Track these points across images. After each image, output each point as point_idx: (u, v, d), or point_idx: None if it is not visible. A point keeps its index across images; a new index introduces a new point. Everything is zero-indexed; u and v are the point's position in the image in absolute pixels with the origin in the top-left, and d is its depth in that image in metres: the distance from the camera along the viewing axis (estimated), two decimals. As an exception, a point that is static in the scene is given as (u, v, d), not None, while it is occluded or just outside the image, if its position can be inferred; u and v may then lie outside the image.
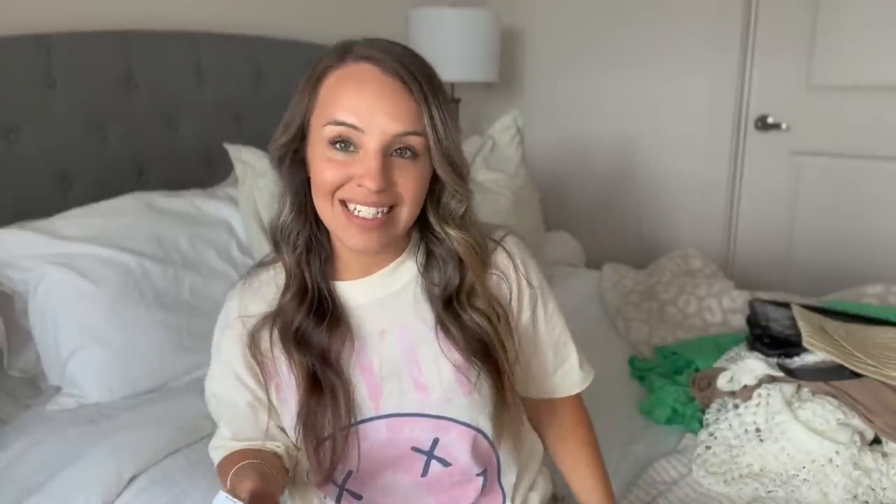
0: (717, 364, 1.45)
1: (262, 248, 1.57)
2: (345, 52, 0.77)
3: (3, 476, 1.18)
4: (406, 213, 0.78)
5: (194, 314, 1.43)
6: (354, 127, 0.73)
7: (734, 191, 2.69)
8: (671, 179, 2.76)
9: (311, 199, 0.80)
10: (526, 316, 0.90)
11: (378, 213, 0.75)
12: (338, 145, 0.75)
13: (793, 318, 1.50)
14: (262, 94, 1.98)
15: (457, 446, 0.85)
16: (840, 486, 1.11)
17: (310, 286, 0.82)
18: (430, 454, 0.85)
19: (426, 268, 0.85)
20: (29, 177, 1.49)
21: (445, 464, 0.85)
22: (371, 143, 0.73)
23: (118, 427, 1.21)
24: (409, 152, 0.75)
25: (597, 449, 1.00)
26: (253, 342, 0.83)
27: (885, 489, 1.11)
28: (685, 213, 2.76)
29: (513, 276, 0.88)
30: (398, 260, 0.85)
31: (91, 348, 1.31)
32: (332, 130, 0.74)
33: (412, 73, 0.75)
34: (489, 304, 0.85)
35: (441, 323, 0.83)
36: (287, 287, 0.83)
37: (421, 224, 0.84)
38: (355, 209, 0.75)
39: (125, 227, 1.42)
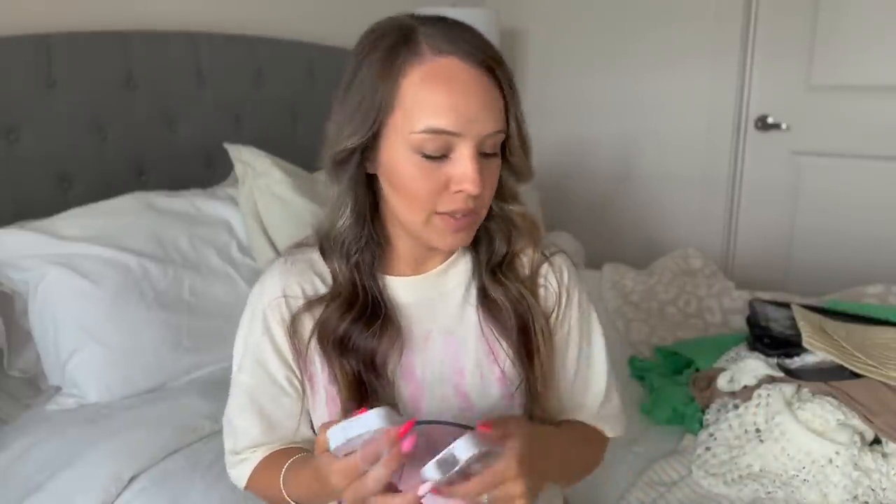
0: (717, 364, 1.45)
1: (263, 247, 1.57)
2: (414, 40, 0.70)
3: (4, 476, 1.18)
4: (485, 211, 0.76)
5: (194, 314, 1.43)
6: (452, 133, 0.69)
7: (734, 191, 2.69)
8: (671, 179, 2.76)
9: (371, 202, 0.77)
10: (562, 332, 0.86)
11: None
12: (431, 154, 0.69)
13: (793, 318, 1.50)
14: (262, 94, 1.98)
15: None
16: (840, 486, 1.11)
17: (360, 292, 0.77)
18: None
19: (487, 262, 0.82)
20: (29, 177, 1.49)
21: None
22: (465, 145, 0.69)
23: (118, 427, 1.21)
24: (492, 150, 0.72)
25: (587, 444, 0.89)
26: (293, 326, 0.79)
27: (885, 489, 1.11)
28: (685, 213, 2.76)
29: (555, 288, 0.85)
30: (451, 259, 0.83)
31: (91, 348, 1.30)
32: (425, 139, 0.69)
33: (496, 62, 0.71)
34: (532, 291, 0.83)
35: (485, 297, 0.81)
36: (334, 294, 0.78)
37: None
38: (454, 214, 0.72)
39: (125, 227, 1.42)
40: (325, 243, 0.80)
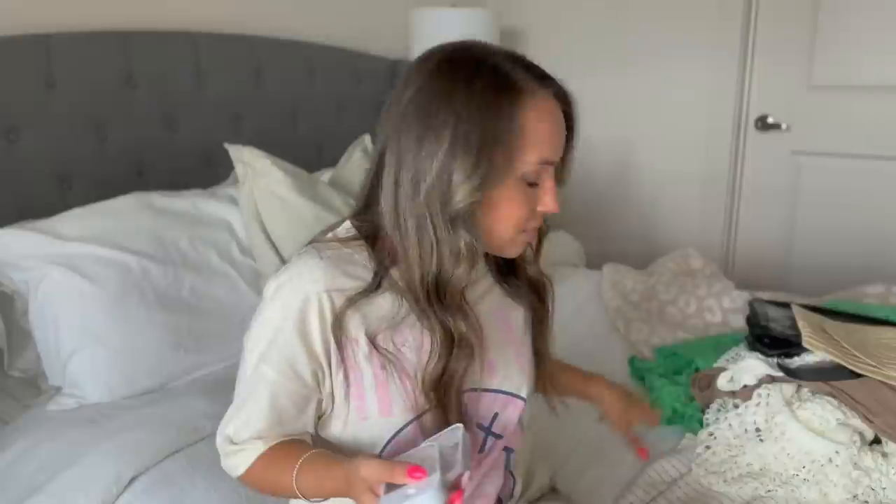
0: (717, 364, 1.45)
1: (263, 248, 1.57)
2: (511, 78, 0.76)
3: (4, 476, 1.18)
4: None
5: (194, 314, 1.43)
6: (552, 162, 0.79)
7: (734, 191, 2.69)
8: (671, 179, 2.76)
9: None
10: None
11: None
12: (534, 182, 0.79)
13: (793, 318, 1.50)
14: (262, 94, 1.98)
15: (510, 419, 0.89)
16: (840, 485, 1.11)
17: (470, 335, 0.80)
18: (488, 430, 0.87)
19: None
20: (29, 177, 1.49)
21: (498, 436, 0.88)
22: (550, 172, 0.80)
23: (118, 427, 1.21)
24: None
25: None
26: (337, 320, 0.78)
27: (884, 489, 1.11)
28: (685, 213, 2.76)
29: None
30: None
31: (91, 348, 1.30)
32: (537, 169, 0.78)
33: (569, 99, 0.83)
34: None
35: (503, 283, 0.92)
36: (437, 347, 0.79)
37: None
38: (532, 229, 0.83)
39: (125, 227, 1.42)
40: (428, 288, 0.78)
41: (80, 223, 1.40)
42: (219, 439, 0.85)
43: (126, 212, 1.47)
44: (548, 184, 0.80)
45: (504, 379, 0.88)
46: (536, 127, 0.76)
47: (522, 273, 0.93)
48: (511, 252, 0.84)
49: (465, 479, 0.66)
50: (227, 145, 1.68)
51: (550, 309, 0.96)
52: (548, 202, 0.80)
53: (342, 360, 0.79)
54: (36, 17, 1.51)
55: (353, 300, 0.78)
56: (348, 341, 0.79)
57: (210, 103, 1.84)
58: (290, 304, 0.78)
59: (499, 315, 0.90)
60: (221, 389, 1.30)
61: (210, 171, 1.83)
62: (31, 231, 1.35)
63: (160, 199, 1.54)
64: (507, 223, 0.79)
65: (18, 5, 1.49)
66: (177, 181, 1.69)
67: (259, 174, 1.61)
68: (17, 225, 1.37)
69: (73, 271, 1.32)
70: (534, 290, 0.94)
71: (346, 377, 0.80)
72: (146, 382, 1.35)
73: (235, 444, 0.83)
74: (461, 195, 0.74)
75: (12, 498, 1.13)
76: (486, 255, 0.90)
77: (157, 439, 1.17)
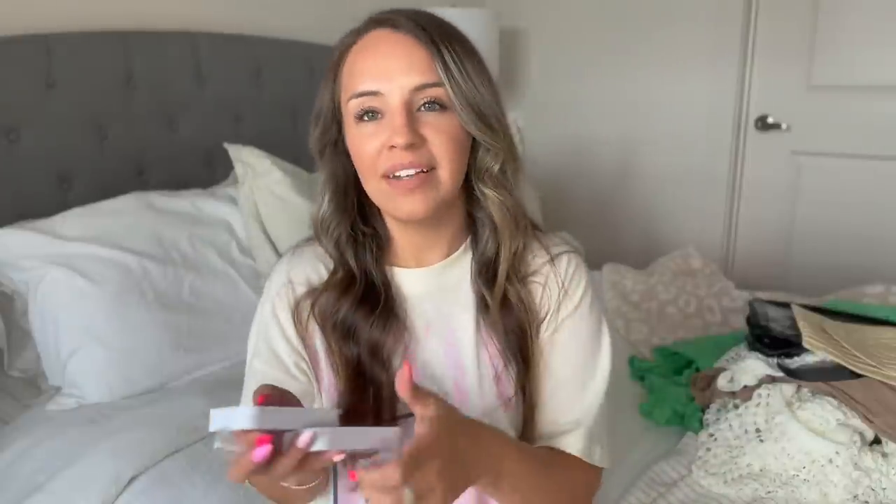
0: (717, 364, 1.45)
1: (263, 247, 1.57)
2: (361, 28, 0.77)
3: (4, 476, 1.18)
4: (446, 175, 0.74)
5: (194, 314, 1.43)
6: (374, 93, 0.72)
7: (734, 191, 2.69)
8: (671, 179, 2.76)
9: (354, 189, 0.80)
10: (548, 334, 0.83)
11: (416, 172, 0.72)
12: (365, 117, 0.73)
13: (793, 318, 1.50)
14: (262, 94, 1.98)
15: None
16: (840, 486, 1.11)
17: (357, 275, 0.79)
18: None
19: (479, 257, 0.82)
20: (29, 177, 1.49)
21: None
22: (392, 101, 0.72)
23: (118, 427, 1.21)
24: (436, 105, 0.73)
25: (553, 468, 0.79)
26: (296, 312, 0.80)
27: (885, 489, 1.11)
28: (685, 213, 2.76)
29: (557, 287, 0.82)
30: (454, 256, 0.83)
31: (91, 348, 1.31)
32: (355, 104, 0.73)
33: (422, 25, 0.73)
34: (526, 295, 0.81)
35: (483, 305, 0.80)
36: (333, 273, 0.81)
37: (468, 200, 0.82)
38: (396, 174, 0.73)
39: (125, 227, 1.43)
40: (316, 229, 0.82)
41: (80, 223, 1.40)
42: None
43: (126, 212, 1.47)
44: (390, 115, 0.72)
45: (482, 418, 0.75)
46: (351, 66, 0.75)
47: (500, 316, 0.80)
48: (393, 209, 0.75)
49: (303, 439, 0.56)
50: (226, 145, 1.68)
51: (540, 374, 0.81)
52: (389, 133, 0.72)
53: (308, 350, 0.80)
54: (36, 17, 1.51)
55: (312, 292, 0.80)
56: (309, 337, 0.80)
57: (210, 103, 1.84)
58: (266, 299, 0.83)
59: (479, 344, 0.81)
60: (221, 389, 1.31)
61: (210, 171, 1.83)
62: (31, 231, 1.35)
63: (160, 198, 1.54)
64: (364, 174, 0.76)
65: (18, 5, 1.49)
66: (177, 181, 1.69)
67: (259, 174, 1.61)
68: (17, 225, 1.37)
69: (73, 271, 1.32)
70: (512, 339, 0.80)
71: (317, 378, 0.81)
72: (146, 382, 1.35)
73: None
74: (312, 132, 0.79)
75: (12, 497, 1.13)
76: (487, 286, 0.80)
77: (156, 439, 1.17)
